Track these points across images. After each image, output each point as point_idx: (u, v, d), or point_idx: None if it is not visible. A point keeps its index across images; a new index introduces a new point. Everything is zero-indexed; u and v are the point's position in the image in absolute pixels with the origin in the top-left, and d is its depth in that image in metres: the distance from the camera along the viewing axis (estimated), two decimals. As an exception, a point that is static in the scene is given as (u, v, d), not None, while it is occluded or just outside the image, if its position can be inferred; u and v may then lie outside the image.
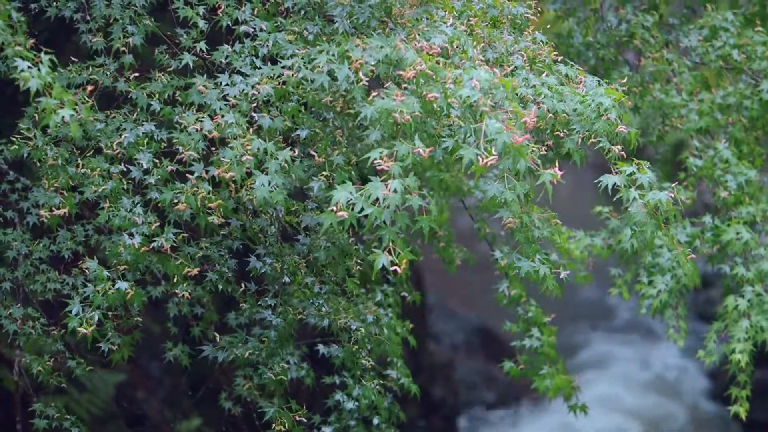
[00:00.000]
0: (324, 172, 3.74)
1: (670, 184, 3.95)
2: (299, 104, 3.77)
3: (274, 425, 4.24)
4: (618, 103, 3.47)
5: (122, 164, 3.70)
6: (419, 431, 9.08)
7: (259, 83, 3.57)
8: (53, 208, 3.69)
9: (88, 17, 3.89)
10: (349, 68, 3.35)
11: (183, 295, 3.91)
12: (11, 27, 3.08)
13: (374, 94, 3.21)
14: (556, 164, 3.17)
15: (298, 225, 4.12)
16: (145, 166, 3.67)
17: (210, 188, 3.54)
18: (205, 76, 3.69)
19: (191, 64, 3.78)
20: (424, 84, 3.25)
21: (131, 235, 3.57)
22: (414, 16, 3.77)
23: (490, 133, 3.08)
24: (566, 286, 3.78)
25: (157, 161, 3.69)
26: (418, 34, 3.57)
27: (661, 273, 5.25)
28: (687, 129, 5.65)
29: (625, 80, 4.28)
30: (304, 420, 4.30)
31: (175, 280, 3.85)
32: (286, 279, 4.21)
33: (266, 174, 3.38)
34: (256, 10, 3.83)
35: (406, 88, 3.25)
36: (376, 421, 4.70)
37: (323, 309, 4.28)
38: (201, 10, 3.84)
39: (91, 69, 3.86)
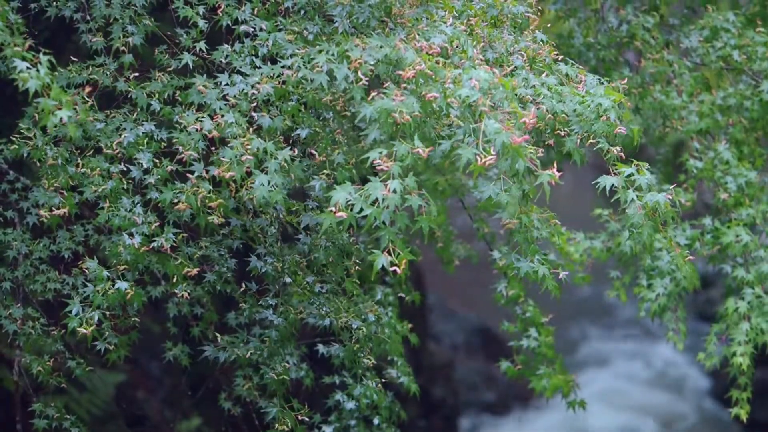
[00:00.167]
0: (325, 171, 3.74)
1: (670, 186, 3.94)
2: (299, 104, 3.77)
3: (276, 425, 4.23)
4: (618, 104, 3.47)
5: (122, 164, 3.70)
6: (419, 431, 9.08)
7: (258, 83, 3.57)
8: (53, 208, 3.68)
9: (88, 17, 3.89)
10: (349, 68, 3.34)
11: (183, 295, 3.90)
12: (9, 28, 3.07)
13: (374, 93, 3.20)
14: (554, 165, 3.17)
15: (299, 225, 4.12)
16: (145, 166, 3.66)
17: (210, 188, 3.54)
18: (204, 75, 3.69)
19: (191, 63, 3.78)
20: (424, 84, 3.24)
21: (131, 235, 3.56)
22: (414, 15, 3.77)
23: (489, 133, 3.07)
24: (565, 285, 3.77)
25: (157, 161, 3.69)
26: (418, 34, 3.57)
27: (660, 276, 5.23)
28: (687, 131, 5.63)
29: (625, 81, 4.26)
30: (306, 420, 4.30)
31: (174, 280, 3.84)
32: (287, 279, 4.21)
33: (266, 173, 3.38)
34: (256, 9, 3.83)
35: (405, 88, 3.24)
36: (376, 420, 4.69)
37: (324, 309, 4.28)
38: (201, 9, 3.84)
39: (90, 69, 3.85)
